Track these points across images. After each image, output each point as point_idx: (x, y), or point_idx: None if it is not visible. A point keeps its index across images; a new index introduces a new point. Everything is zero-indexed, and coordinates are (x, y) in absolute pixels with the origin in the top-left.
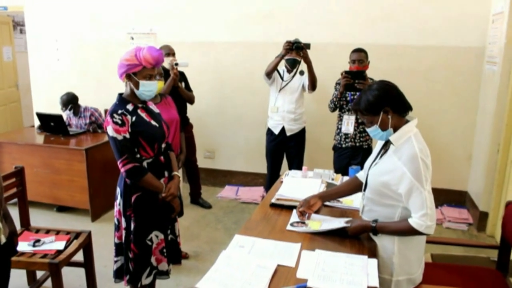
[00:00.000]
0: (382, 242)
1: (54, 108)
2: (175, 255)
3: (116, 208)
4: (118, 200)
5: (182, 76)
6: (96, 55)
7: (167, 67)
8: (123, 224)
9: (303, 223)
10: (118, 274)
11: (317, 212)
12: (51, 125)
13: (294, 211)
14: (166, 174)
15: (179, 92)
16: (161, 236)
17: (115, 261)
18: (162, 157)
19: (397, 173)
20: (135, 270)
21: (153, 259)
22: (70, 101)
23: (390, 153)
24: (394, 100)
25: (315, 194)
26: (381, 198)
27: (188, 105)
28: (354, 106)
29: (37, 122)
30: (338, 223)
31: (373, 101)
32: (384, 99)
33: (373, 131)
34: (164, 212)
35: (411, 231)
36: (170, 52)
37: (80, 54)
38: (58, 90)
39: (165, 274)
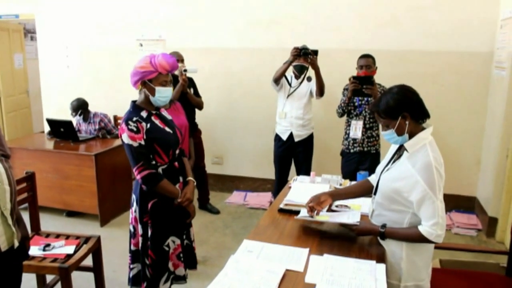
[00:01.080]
0: (390, 247)
1: (64, 114)
2: (190, 260)
3: (131, 215)
4: (134, 207)
5: (190, 82)
6: (106, 61)
7: (176, 73)
8: (140, 231)
9: (347, 206)
10: (135, 281)
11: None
12: (61, 131)
13: (303, 209)
14: (180, 179)
15: (188, 98)
16: (178, 242)
17: (131, 268)
18: (176, 163)
19: (410, 180)
20: (153, 276)
21: (170, 265)
22: (80, 106)
23: (403, 159)
24: (413, 106)
25: (326, 192)
26: (391, 203)
27: (197, 111)
28: (372, 107)
29: (47, 128)
30: (347, 218)
31: (393, 105)
32: (404, 105)
33: (388, 135)
34: (180, 218)
35: (421, 239)
36: (179, 59)
37: (90, 60)
38: (68, 96)
39: (182, 279)
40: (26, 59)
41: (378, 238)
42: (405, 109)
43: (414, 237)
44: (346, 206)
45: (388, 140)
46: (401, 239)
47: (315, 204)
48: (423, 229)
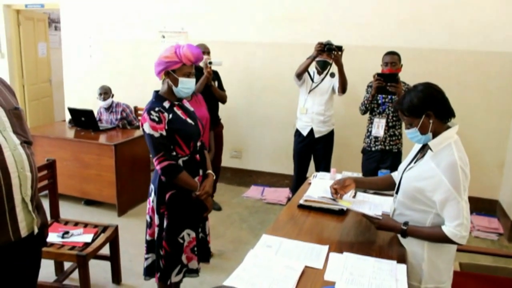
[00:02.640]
0: (412, 247)
1: (86, 103)
2: (204, 253)
3: (149, 205)
4: (152, 197)
5: (215, 75)
6: (128, 53)
7: (201, 65)
8: (156, 221)
9: (334, 200)
10: (149, 272)
11: None
12: (81, 120)
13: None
14: (200, 172)
15: (212, 90)
16: (193, 235)
17: (146, 258)
18: (197, 155)
19: (434, 180)
20: (166, 267)
21: (183, 257)
22: (110, 90)
23: (427, 158)
24: (438, 105)
25: (350, 176)
26: (413, 203)
27: (220, 105)
28: (396, 105)
29: (68, 117)
30: (369, 209)
31: (417, 103)
32: (428, 103)
33: (412, 133)
34: (197, 211)
35: (444, 239)
36: (205, 51)
37: (112, 51)
38: (90, 86)
39: (195, 272)
40: (50, 48)
41: (399, 236)
42: (429, 107)
43: (437, 237)
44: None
45: (411, 139)
46: (423, 239)
47: (340, 187)
48: (447, 229)
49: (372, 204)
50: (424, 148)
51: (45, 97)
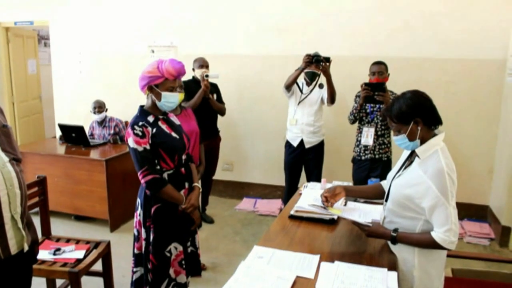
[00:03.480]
0: (402, 255)
1: (76, 119)
2: (195, 267)
3: (136, 219)
4: (139, 211)
5: (214, 88)
6: (118, 67)
7: (199, 78)
8: (143, 235)
9: (325, 208)
10: (137, 285)
11: None
12: (72, 136)
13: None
14: (186, 185)
15: (210, 103)
16: (180, 248)
17: (134, 272)
18: (183, 169)
19: (422, 186)
20: (153, 281)
21: (171, 271)
22: (104, 105)
23: (415, 165)
24: (426, 112)
25: (341, 185)
26: (403, 210)
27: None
28: (385, 111)
29: (58, 133)
30: (358, 216)
31: (406, 110)
32: (416, 110)
33: (400, 140)
34: (184, 224)
35: (433, 245)
36: (204, 64)
37: (102, 66)
38: (80, 101)
39: (184, 286)
40: (40, 65)
41: (389, 243)
42: (417, 114)
43: (426, 243)
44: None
45: (399, 145)
46: (413, 245)
47: (330, 196)
48: (436, 235)
49: (362, 212)
50: (412, 156)
51: (35, 113)
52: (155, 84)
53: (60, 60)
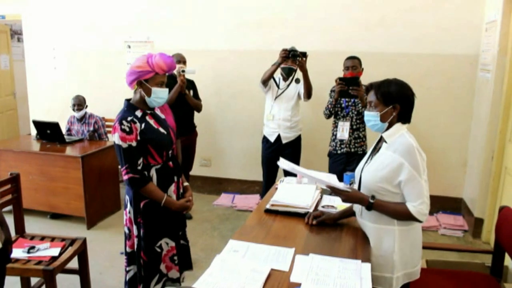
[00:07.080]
0: (383, 240)
1: (51, 115)
2: (185, 260)
3: (126, 217)
4: (128, 208)
5: (191, 84)
6: (93, 63)
7: (175, 74)
8: (135, 231)
9: (333, 206)
10: (131, 284)
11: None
12: (47, 132)
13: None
14: (175, 179)
15: (186, 99)
16: (172, 244)
17: (128, 271)
18: (170, 162)
19: (394, 164)
20: (145, 277)
21: (162, 266)
22: (84, 101)
23: (383, 150)
24: (407, 105)
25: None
26: (378, 196)
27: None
28: (373, 84)
29: (33, 131)
30: (327, 179)
31: (393, 92)
32: (401, 98)
33: (372, 115)
34: (175, 220)
35: (407, 216)
36: (181, 60)
37: (77, 62)
38: (56, 98)
39: (176, 281)
40: (13, 61)
41: (368, 231)
42: (400, 101)
43: (400, 212)
44: (332, 206)
45: (368, 121)
46: (388, 213)
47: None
48: (411, 206)
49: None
50: (378, 144)
51: (9, 110)
52: (145, 79)
53: (33, 56)
